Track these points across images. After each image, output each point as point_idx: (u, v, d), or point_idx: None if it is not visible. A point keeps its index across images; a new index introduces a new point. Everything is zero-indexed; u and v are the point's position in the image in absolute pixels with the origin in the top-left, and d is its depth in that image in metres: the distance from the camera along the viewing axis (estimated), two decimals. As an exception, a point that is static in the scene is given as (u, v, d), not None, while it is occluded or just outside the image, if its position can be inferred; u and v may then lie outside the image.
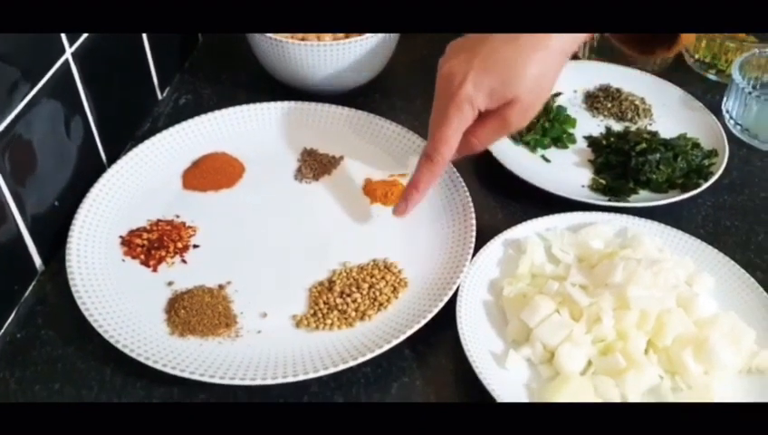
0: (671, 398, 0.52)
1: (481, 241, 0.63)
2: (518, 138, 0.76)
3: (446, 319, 0.57)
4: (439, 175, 0.62)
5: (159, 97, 0.82)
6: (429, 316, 0.56)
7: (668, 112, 0.80)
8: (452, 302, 0.58)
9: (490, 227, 0.65)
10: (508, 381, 0.54)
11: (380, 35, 0.76)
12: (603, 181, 0.71)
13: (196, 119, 0.74)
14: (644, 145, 0.71)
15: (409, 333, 0.55)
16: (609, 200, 0.68)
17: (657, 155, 0.70)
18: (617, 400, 0.52)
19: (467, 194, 0.67)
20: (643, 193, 0.70)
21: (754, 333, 0.55)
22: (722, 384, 0.53)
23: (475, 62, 0.58)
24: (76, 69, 0.64)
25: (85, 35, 0.65)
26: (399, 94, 0.84)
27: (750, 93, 0.76)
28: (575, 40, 0.60)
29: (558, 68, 0.60)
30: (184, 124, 0.74)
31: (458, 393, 0.55)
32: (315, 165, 0.72)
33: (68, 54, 0.63)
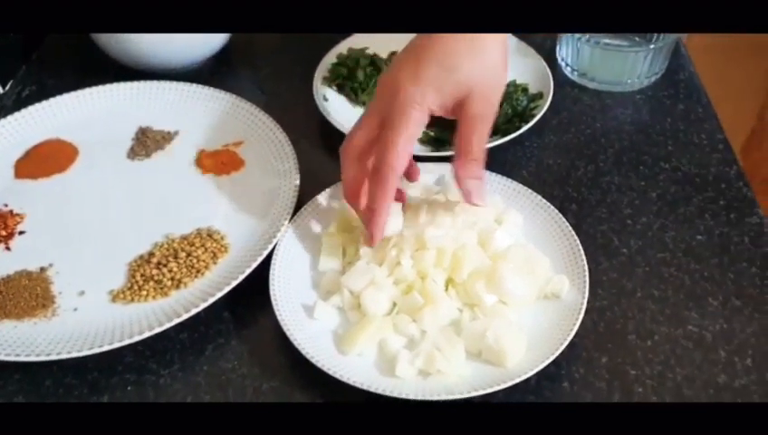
0: (469, 327, 0.54)
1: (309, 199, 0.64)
2: (356, 99, 0.77)
3: (268, 279, 0.58)
4: (392, 189, 0.53)
5: (1, 91, 0.82)
6: (241, 277, 0.57)
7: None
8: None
9: (324, 185, 0.66)
10: (316, 331, 0.55)
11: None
12: (432, 133, 0.72)
13: (30, 108, 0.74)
14: (467, 94, 0.73)
15: (219, 295, 0.56)
16: (432, 151, 0.70)
17: (481, 102, 0.72)
18: (416, 335, 0.54)
19: (294, 154, 0.68)
20: (468, 141, 0.71)
21: (548, 261, 0.57)
22: (518, 311, 0.55)
23: (412, 59, 0.53)
24: None
25: None
26: (247, 66, 0.85)
27: (579, 39, 0.78)
28: None
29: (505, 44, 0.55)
30: (16, 114, 0.74)
31: (272, 349, 0.56)
32: (149, 142, 0.72)
33: None
